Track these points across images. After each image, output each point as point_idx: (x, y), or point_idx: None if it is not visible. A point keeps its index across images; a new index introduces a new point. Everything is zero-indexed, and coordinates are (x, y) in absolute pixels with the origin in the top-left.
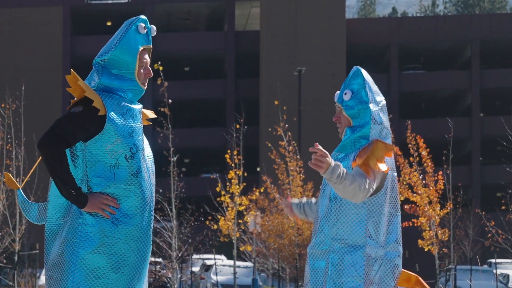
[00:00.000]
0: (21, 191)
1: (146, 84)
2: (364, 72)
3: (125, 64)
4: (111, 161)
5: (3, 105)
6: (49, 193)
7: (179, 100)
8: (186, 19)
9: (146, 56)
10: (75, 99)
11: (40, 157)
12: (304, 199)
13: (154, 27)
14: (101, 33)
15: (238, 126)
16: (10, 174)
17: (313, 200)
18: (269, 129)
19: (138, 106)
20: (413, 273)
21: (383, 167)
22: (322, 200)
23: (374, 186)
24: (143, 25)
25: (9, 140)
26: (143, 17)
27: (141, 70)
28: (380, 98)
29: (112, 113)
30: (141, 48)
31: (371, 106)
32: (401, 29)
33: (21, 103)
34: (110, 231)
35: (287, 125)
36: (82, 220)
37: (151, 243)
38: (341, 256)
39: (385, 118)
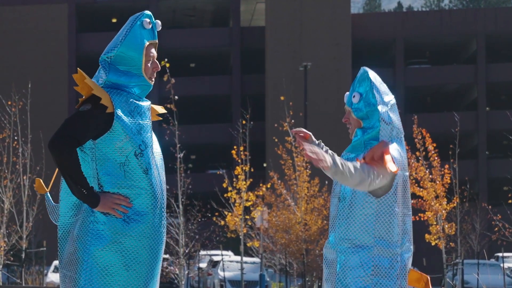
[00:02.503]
0: (49, 194)
1: (153, 79)
2: (371, 74)
3: (131, 60)
4: (121, 158)
5: (9, 103)
6: (61, 192)
7: (185, 96)
8: (191, 15)
9: (153, 50)
10: (84, 97)
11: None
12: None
13: (159, 22)
14: (106, 30)
15: (244, 122)
16: (41, 180)
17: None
18: (275, 125)
19: (146, 103)
20: (423, 274)
21: (392, 167)
22: (333, 200)
23: (381, 180)
24: (148, 20)
25: (16, 138)
26: (148, 12)
27: (148, 65)
28: (389, 98)
29: (120, 110)
30: (147, 43)
31: (380, 107)
32: (406, 24)
33: (28, 100)
34: (121, 228)
35: (293, 121)
36: (93, 218)
37: (164, 240)
38: (348, 257)
39: (395, 117)
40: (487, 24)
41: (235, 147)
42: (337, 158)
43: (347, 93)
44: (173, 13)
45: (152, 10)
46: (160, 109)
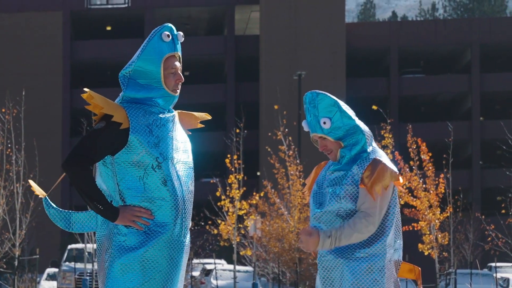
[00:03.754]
0: (47, 198)
1: (178, 90)
2: (327, 94)
3: (150, 73)
4: (139, 172)
5: (3, 110)
6: None
7: (179, 104)
8: (186, 23)
9: (176, 63)
10: (97, 115)
11: (64, 173)
12: None
13: (181, 33)
14: (101, 37)
15: (238, 130)
16: (33, 182)
17: None
18: (269, 134)
19: (169, 114)
20: (415, 266)
21: (389, 190)
22: (328, 215)
23: (381, 212)
24: (167, 33)
25: (9, 145)
26: (169, 25)
27: (171, 77)
28: (351, 110)
29: (136, 125)
30: (167, 56)
31: (357, 121)
32: (400, 33)
33: (22, 108)
34: (142, 240)
35: (287, 130)
36: (116, 230)
37: (187, 249)
38: (361, 264)
39: (364, 125)
40: (481, 33)
41: (228, 155)
42: (333, 232)
43: (304, 122)
44: (168, 22)
45: (147, 18)
46: (204, 116)
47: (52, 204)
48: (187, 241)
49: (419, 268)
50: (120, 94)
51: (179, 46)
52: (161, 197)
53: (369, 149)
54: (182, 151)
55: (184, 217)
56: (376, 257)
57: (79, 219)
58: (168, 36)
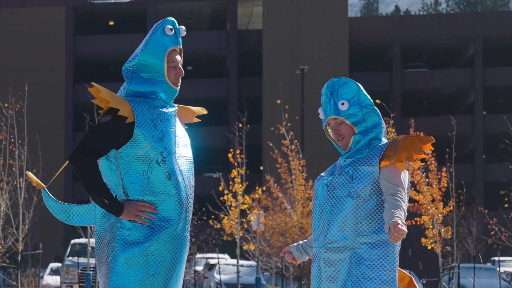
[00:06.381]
0: (47, 190)
1: (178, 84)
2: (351, 79)
3: (153, 67)
4: (143, 167)
5: (6, 105)
6: None
7: (182, 99)
8: (188, 18)
9: (177, 57)
10: (103, 109)
11: (67, 162)
12: (300, 242)
13: (183, 27)
14: (103, 32)
15: (240, 125)
16: (31, 173)
17: (309, 239)
18: (272, 128)
19: (171, 109)
20: (407, 273)
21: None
22: (342, 198)
23: (406, 183)
24: (170, 26)
25: (12, 140)
26: (171, 18)
27: (172, 71)
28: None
29: (141, 119)
30: (170, 50)
31: (376, 107)
32: (403, 27)
33: (24, 103)
34: (146, 234)
35: (289, 124)
36: (120, 224)
37: (188, 243)
38: (369, 251)
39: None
40: (484, 28)
41: (231, 150)
42: (399, 214)
43: (320, 109)
44: (170, 16)
45: (149, 13)
46: (200, 111)
47: (52, 196)
48: (188, 235)
49: (410, 277)
50: (121, 88)
51: (180, 40)
52: (166, 191)
53: (383, 139)
54: (182, 146)
55: (188, 212)
56: (390, 245)
57: (78, 212)
58: (171, 29)
